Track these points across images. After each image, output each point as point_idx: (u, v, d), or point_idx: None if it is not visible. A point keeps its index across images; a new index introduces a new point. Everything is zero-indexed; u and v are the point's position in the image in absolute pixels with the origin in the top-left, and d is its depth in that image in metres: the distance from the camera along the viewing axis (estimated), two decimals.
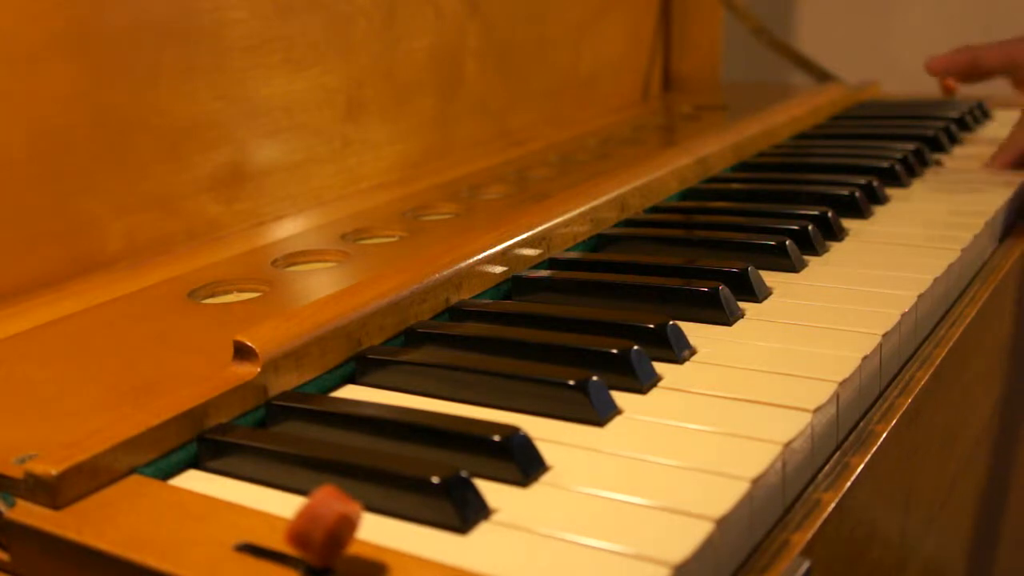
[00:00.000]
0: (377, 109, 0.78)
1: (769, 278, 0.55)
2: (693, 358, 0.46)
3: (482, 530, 0.34)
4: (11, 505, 0.36)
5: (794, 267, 0.57)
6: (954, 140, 0.89)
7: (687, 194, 0.73)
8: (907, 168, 0.77)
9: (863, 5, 1.47)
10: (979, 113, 0.98)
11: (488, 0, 0.88)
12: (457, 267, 0.52)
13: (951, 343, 0.53)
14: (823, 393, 0.41)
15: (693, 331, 0.48)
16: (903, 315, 0.49)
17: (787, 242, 0.57)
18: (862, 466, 0.42)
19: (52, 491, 0.36)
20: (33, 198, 0.57)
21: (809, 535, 0.37)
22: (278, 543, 0.32)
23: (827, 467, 0.42)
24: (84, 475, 0.36)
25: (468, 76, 0.88)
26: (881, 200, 0.70)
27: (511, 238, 0.56)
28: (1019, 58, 0.76)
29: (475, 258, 0.54)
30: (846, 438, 0.44)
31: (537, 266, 0.58)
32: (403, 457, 0.37)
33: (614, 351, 0.44)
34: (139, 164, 0.62)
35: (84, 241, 0.59)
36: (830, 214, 0.63)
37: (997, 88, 1.09)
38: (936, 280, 0.54)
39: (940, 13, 1.42)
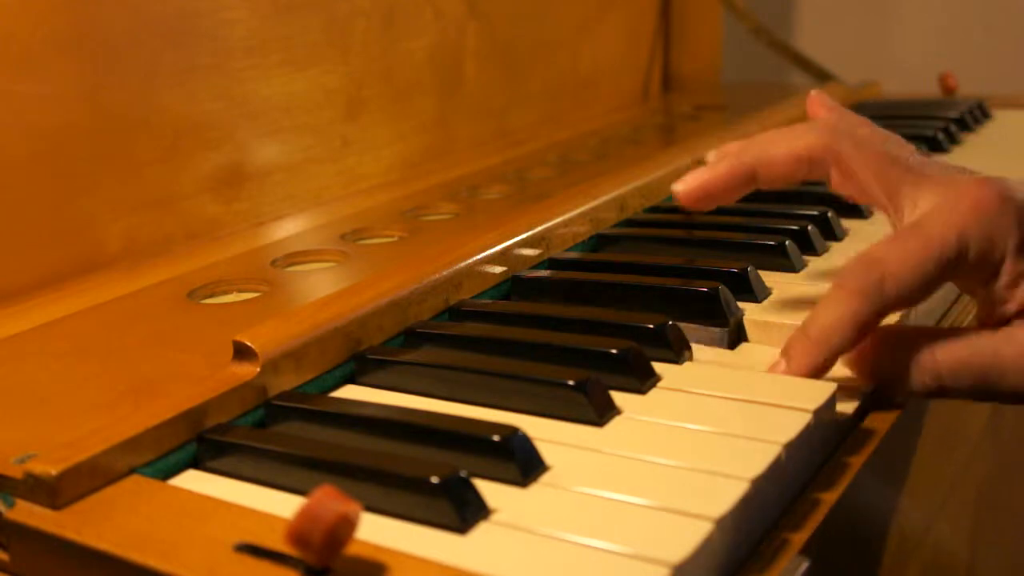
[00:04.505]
0: (377, 109, 0.78)
1: (769, 278, 0.55)
2: (693, 358, 0.46)
3: (481, 530, 0.34)
4: (11, 505, 0.36)
5: (794, 267, 0.57)
6: (954, 140, 0.89)
7: None
8: None
9: (863, 5, 1.47)
10: (979, 113, 0.98)
11: (488, 0, 0.88)
12: (457, 267, 0.52)
13: None
14: (823, 393, 0.41)
15: (693, 331, 0.48)
16: (903, 315, 0.49)
17: (787, 242, 0.57)
18: (861, 465, 0.42)
19: (52, 491, 0.36)
20: (33, 198, 0.57)
21: (808, 534, 0.37)
22: (277, 543, 0.32)
23: (827, 467, 0.41)
24: (84, 475, 0.36)
25: (468, 76, 0.88)
26: None
27: (511, 238, 0.56)
28: (841, 155, 0.48)
29: (475, 258, 0.54)
30: (846, 437, 0.44)
31: (537, 266, 0.58)
32: (402, 457, 0.37)
33: (614, 351, 0.44)
34: (139, 164, 0.62)
35: (84, 241, 0.59)
36: (830, 214, 0.63)
37: (998, 87, 1.09)
38: None
39: (940, 13, 1.42)
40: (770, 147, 0.48)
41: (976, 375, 0.42)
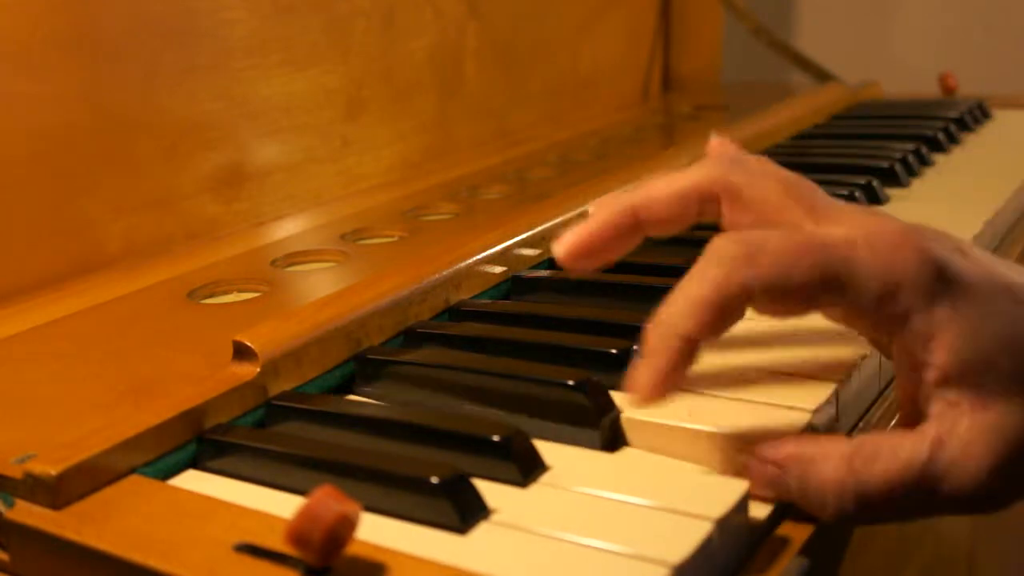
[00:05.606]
0: (377, 109, 0.78)
1: None
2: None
3: (481, 530, 0.34)
4: (10, 505, 0.36)
5: None
6: (954, 140, 0.89)
7: None
8: (907, 168, 0.77)
9: (863, 5, 1.47)
10: (979, 113, 0.98)
11: (488, 0, 0.88)
12: (457, 267, 0.53)
13: None
14: (823, 393, 0.41)
15: None
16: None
17: None
18: None
19: (51, 491, 0.36)
20: (33, 198, 0.57)
21: (808, 533, 0.37)
22: (277, 543, 0.32)
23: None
24: (83, 475, 0.36)
25: (468, 76, 0.88)
26: (880, 200, 0.70)
27: (511, 238, 0.57)
28: (734, 184, 0.40)
29: (475, 258, 0.54)
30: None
31: (537, 266, 0.58)
32: (402, 457, 0.37)
33: (614, 351, 0.44)
34: (139, 164, 0.62)
35: (84, 241, 0.59)
36: None
37: (998, 87, 1.09)
38: None
39: (940, 13, 1.42)
40: (651, 188, 0.42)
41: (910, 489, 0.34)
